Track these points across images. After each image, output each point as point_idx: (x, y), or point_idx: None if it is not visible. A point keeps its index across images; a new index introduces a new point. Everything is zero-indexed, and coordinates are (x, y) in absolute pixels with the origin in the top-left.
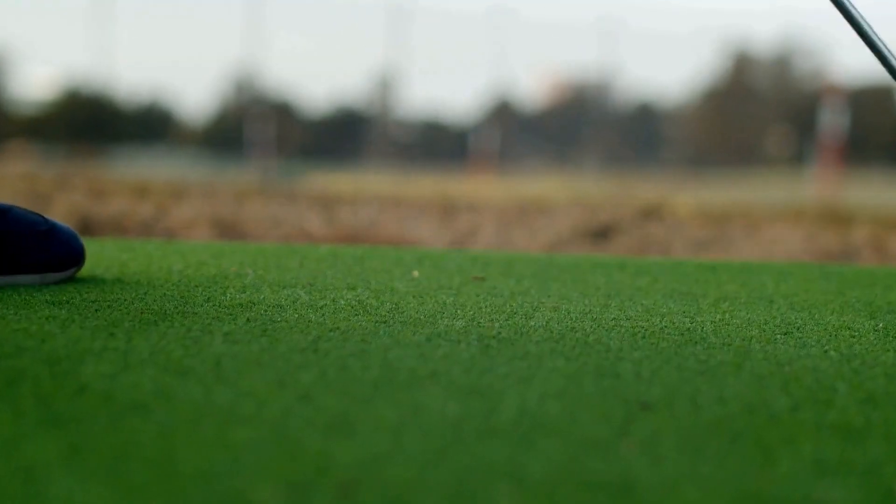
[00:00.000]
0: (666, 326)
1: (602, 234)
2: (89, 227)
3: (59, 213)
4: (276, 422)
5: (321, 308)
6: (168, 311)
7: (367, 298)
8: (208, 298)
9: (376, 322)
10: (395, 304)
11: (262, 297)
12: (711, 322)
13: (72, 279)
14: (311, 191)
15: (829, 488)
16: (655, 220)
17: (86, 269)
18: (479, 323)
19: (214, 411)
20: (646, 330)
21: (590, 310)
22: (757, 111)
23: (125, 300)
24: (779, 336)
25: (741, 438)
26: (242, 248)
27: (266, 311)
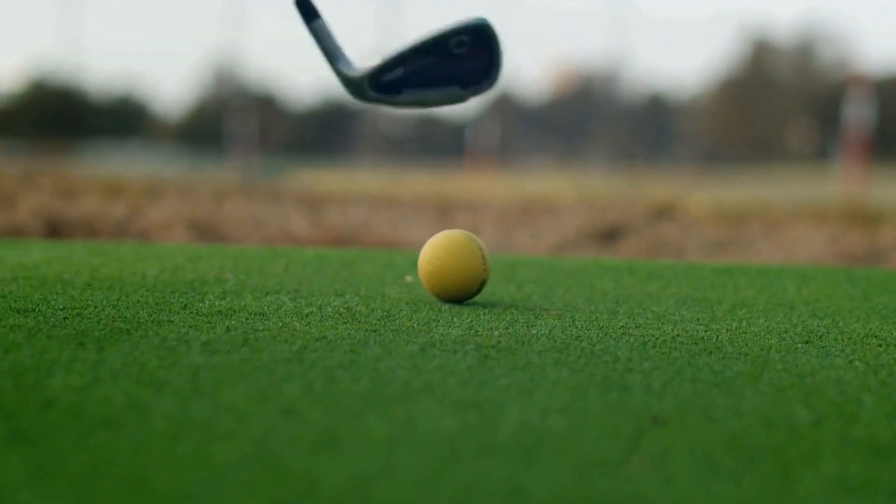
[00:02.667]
0: (678, 335)
1: (610, 235)
2: (57, 229)
3: (25, 213)
4: (258, 438)
5: (307, 316)
6: (142, 320)
7: (357, 305)
8: (185, 305)
9: (366, 331)
10: (387, 312)
11: (244, 304)
12: (727, 330)
13: None
14: (296, 189)
15: None
16: (668, 221)
17: (54, 274)
18: (477, 331)
19: (192, 427)
20: (657, 339)
21: (597, 317)
22: (777, 103)
23: (96, 307)
24: (800, 345)
25: (759, 455)
26: (222, 252)
27: (247, 319)
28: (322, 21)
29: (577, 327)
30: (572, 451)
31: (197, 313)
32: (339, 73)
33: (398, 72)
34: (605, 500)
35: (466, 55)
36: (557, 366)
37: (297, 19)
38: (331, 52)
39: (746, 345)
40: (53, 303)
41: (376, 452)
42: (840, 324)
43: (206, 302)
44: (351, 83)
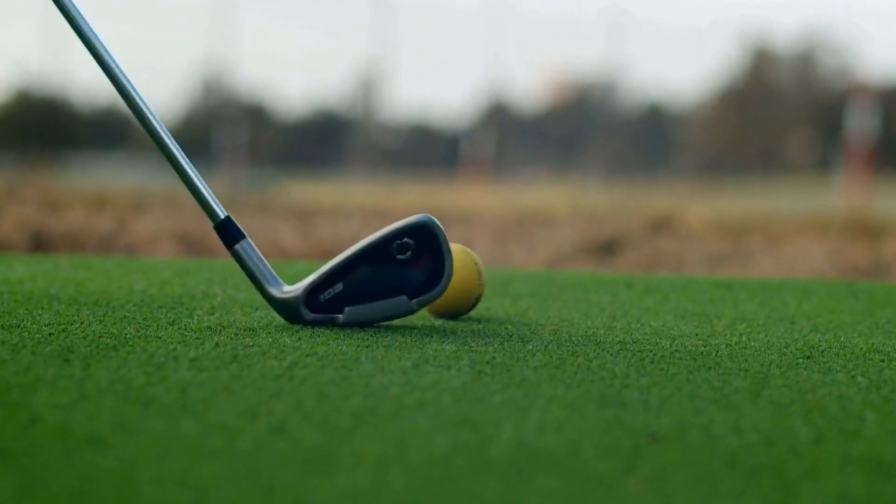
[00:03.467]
0: (677, 350)
1: (607, 248)
2: (42, 243)
3: (9, 226)
4: (248, 456)
5: (297, 331)
6: (129, 336)
7: None
8: (173, 321)
9: (358, 346)
10: (379, 327)
11: (233, 319)
12: (727, 345)
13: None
14: (286, 202)
15: None
16: (666, 234)
17: (39, 289)
18: (471, 347)
19: (179, 445)
20: (655, 354)
21: (593, 332)
22: (778, 113)
23: (82, 323)
24: (801, 360)
25: (759, 473)
26: (210, 266)
27: (236, 334)
28: (245, 242)
29: (573, 343)
30: (568, 469)
31: (185, 329)
32: (269, 298)
33: (336, 287)
34: None
35: (411, 259)
36: (553, 382)
37: (220, 243)
38: (256, 276)
39: (746, 360)
40: (38, 318)
41: (368, 471)
42: (842, 339)
43: (195, 317)
44: (284, 306)
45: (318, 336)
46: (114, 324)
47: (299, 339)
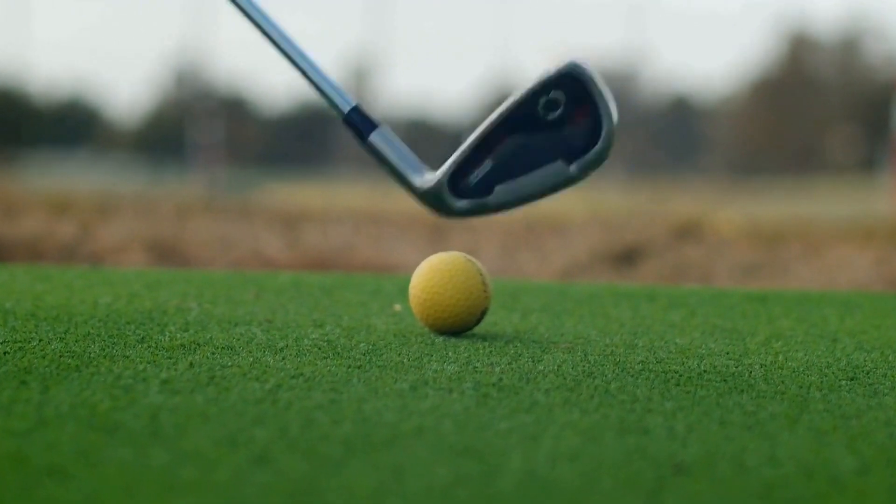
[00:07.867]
0: (705, 371)
1: (627, 257)
2: None
3: None
4: (226, 489)
5: (281, 350)
6: (93, 355)
7: (338, 338)
8: (142, 338)
9: (349, 367)
10: (373, 345)
11: (209, 336)
12: (761, 365)
13: None
14: (270, 206)
15: None
16: (693, 241)
17: None
18: (475, 367)
19: (149, 476)
20: (680, 375)
21: (612, 351)
22: (818, 106)
23: (40, 341)
24: (844, 382)
25: None
26: (185, 277)
27: (213, 353)
28: (381, 130)
29: (589, 362)
30: (583, 503)
31: (156, 347)
32: (411, 190)
33: (486, 165)
34: None
35: (563, 118)
36: (567, 407)
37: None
38: (398, 169)
39: (783, 382)
40: None
41: None
42: (890, 358)
43: (167, 334)
44: (426, 197)
45: (305, 355)
46: (76, 341)
47: (284, 358)
